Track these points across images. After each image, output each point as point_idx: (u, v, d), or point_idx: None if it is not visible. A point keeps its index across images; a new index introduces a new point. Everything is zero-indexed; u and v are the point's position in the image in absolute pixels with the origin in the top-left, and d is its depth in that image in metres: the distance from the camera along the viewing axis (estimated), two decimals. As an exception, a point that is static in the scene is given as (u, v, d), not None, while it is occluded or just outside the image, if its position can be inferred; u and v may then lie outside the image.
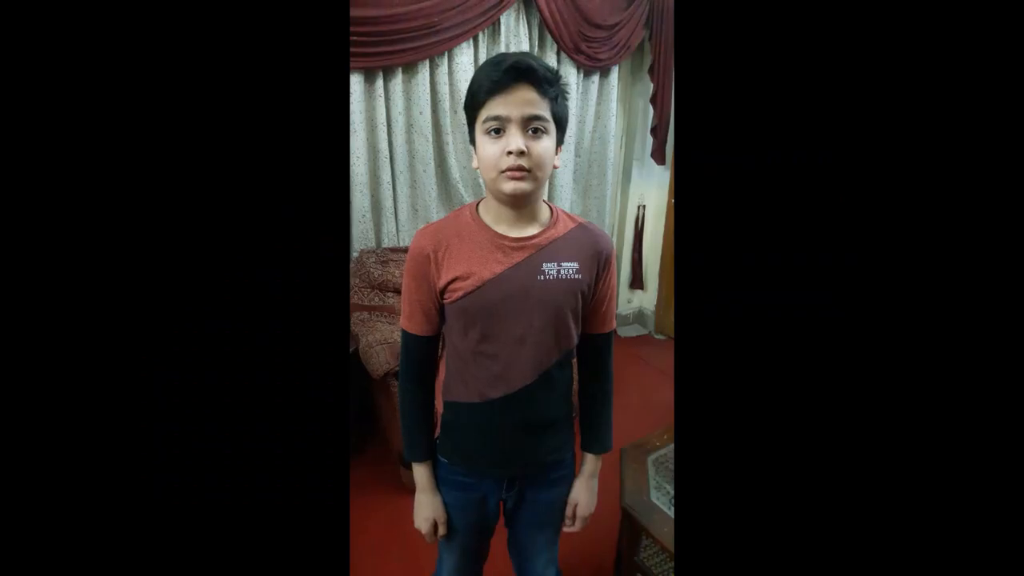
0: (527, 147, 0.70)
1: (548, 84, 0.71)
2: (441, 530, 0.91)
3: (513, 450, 0.85)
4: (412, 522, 0.92)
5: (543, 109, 0.71)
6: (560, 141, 0.76)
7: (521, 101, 0.69)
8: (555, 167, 0.77)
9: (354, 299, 1.93)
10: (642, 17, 2.36)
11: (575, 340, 0.84)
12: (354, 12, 1.72)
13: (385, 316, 1.89)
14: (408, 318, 0.83)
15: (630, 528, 1.35)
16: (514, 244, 0.77)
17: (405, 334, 0.85)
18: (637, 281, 3.00)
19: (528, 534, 0.96)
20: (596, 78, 2.39)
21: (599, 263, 0.81)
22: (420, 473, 0.89)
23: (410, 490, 1.64)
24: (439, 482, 0.90)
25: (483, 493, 0.88)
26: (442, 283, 0.78)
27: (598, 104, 2.47)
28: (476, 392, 0.82)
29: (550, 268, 0.77)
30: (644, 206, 2.86)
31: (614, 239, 2.96)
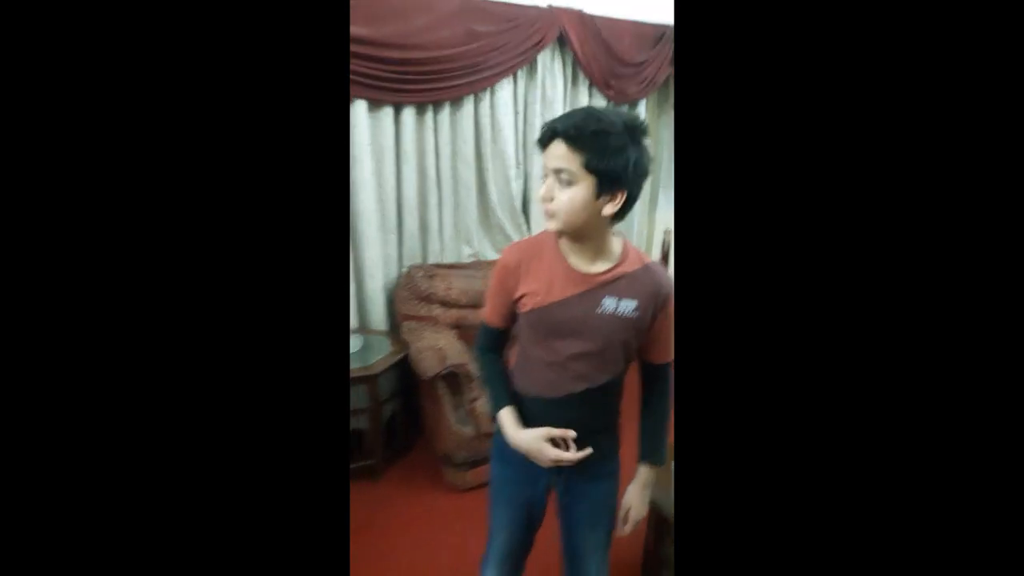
0: (553, 194, 0.82)
1: (579, 141, 0.78)
2: (557, 455, 0.93)
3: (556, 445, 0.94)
4: (454, 518, 1.01)
5: (570, 163, 0.79)
6: (606, 189, 0.80)
7: (552, 156, 0.81)
8: (604, 214, 0.82)
9: (404, 310, 2.09)
10: (668, 55, 2.55)
11: (622, 368, 0.94)
12: (408, 54, 1.94)
13: (431, 325, 2.04)
14: (489, 313, 0.99)
15: (656, 523, 1.43)
16: (578, 277, 0.88)
17: (484, 324, 1.00)
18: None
19: (581, 534, 1.03)
20: (625, 110, 2.57)
21: (657, 302, 0.90)
22: (506, 417, 0.97)
23: (454, 489, 1.78)
24: (498, 457, 1.03)
25: (534, 473, 0.98)
26: (518, 294, 0.92)
27: (626, 134, 2.64)
28: (532, 388, 0.95)
29: (609, 304, 0.88)
30: (670, 231, 2.99)
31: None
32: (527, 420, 0.96)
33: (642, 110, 2.65)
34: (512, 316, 0.97)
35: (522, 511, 1.03)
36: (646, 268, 0.91)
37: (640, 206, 2.82)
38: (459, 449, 1.74)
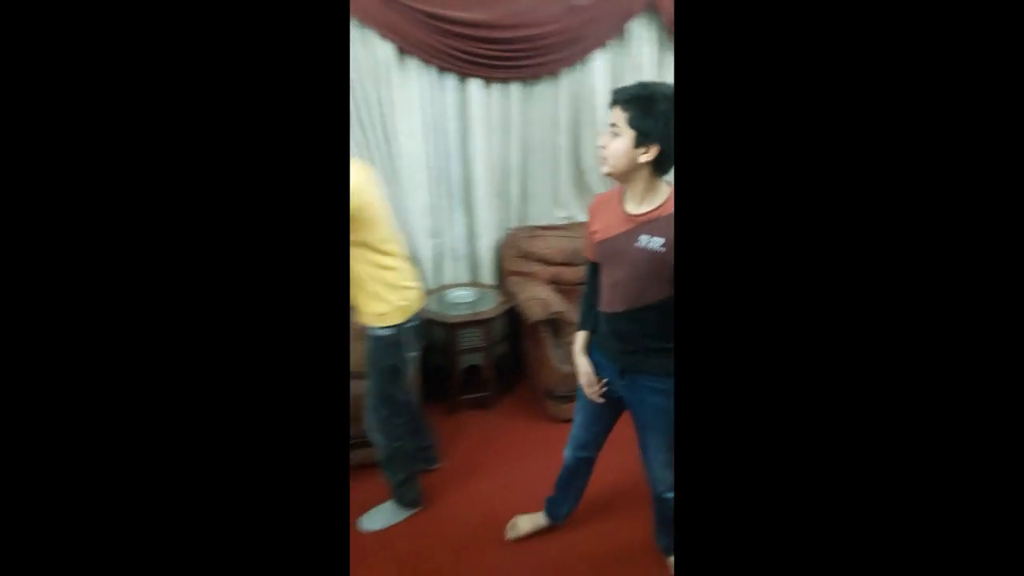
0: (604, 143, 1.08)
1: (627, 104, 1.04)
2: (589, 381, 1.32)
3: (615, 351, 1.24)
4: (554, 444, 1.31)
5: (619, 120, 1.05)
6: (642, 142, 1.04)
7: (610, 115, 1.08)
8: (639, 161, 1.06)
9: (509, 266, 2.38)
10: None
11: (659, 296, 1.12)
12: (516, 32, 2.15)
13: (532, 280, 2.32)
14: (585, 248, 1.31)
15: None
16: (626, 218, 1.14)
17: (591, 262, 1.30)
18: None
19: (644, 435, 1.29)
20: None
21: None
22: (578, 339, 1.36)
23: (554, 420, 2.08)
24: (589, 352, 1.34)
25: (608, 371, 1.28)
26: (591, 230, 1.22)
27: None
28: (602, 305, 1.24)
29: (644, 240, 1.10)
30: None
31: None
32: (600, 330, 1.28)
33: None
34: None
35: (595, 409, 1.34)
36: None
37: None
38: (559, 384, 2.03)
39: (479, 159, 2.33)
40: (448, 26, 2.09)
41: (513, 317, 2.23)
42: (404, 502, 1.70)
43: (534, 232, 2.42)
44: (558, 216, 2.62)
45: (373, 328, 1.46)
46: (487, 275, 2.50)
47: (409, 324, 1.49)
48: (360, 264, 1.38)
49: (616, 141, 1.06)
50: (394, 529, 1.68)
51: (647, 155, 1.05)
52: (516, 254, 2.37)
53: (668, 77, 2.50)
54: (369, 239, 1.36)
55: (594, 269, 1.29)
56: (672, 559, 1.47)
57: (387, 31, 2.06)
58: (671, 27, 2.38)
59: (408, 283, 1.49)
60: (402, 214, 2.29)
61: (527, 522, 1.62)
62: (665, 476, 1.30)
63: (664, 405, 1.22)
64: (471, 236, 2.47)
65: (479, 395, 2.20)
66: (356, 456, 1.79)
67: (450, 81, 2.25)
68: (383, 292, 1.42)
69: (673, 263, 1.11)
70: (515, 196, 2.49)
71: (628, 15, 2.28)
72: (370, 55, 2.09)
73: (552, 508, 1.59)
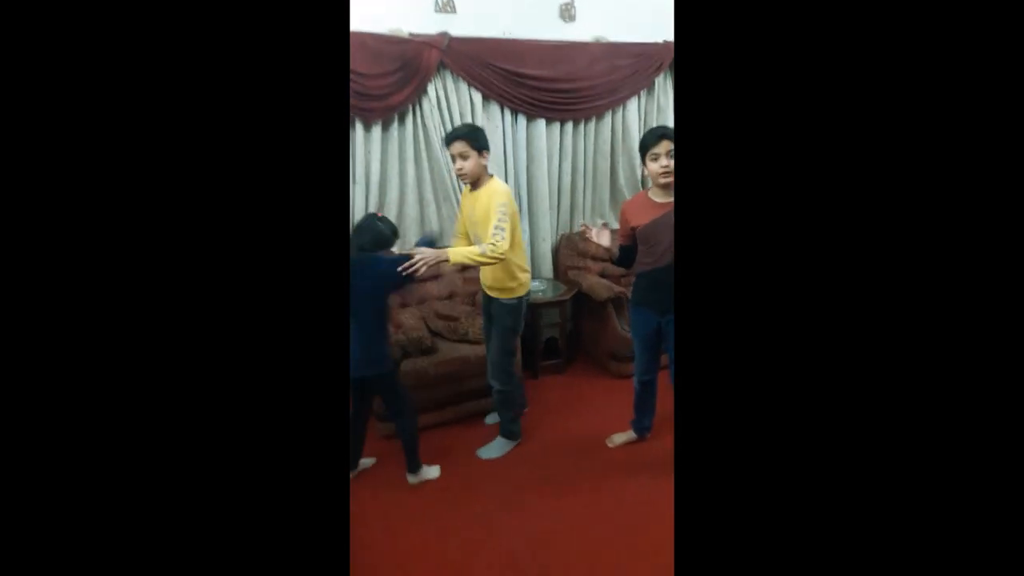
0: (670, 165, 1.76)
1: (671, 136, 1.74)
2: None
3: (656, 299, 1.89)
4: (617, 394, 2.14)
5: (672, 147, 1.75)
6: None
7: (663, 146, 1.75)
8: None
9: (566, 262, 3.04)
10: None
11: None
12: (573, 85, 2.84)
13: (587, 271, 2.97)
14: (620, 237, 1.99)
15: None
16: (659, 207, 1.83)
17: (620, 244, 1.99)
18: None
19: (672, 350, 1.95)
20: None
21: None
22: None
23: (618, 376, 2.73)
24: (633, 311, 2.02)
25: (650, 317, 1.94)
26: (631, 225, 1.89)
27: (716, 129, 3.47)
28: (645, 267, 1.89)
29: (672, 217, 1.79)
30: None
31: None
32: (644, 283, 1.94)
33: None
34: (631, 236, 1.93)
35: (644, 339, 2.00)
36: None
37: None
38: (621, 347, 2.67)
39: (540, 180, 2.99)
40: (521, 80, 2.76)
41: (576, 300, 2.87)
42: (511, 436, 2.27)
43: (585, 236, 3.08)
44: (597, 223, 3.30)
45: (502, 299, 2.07)
46: (546, 271, 3.14)
47: (525, 297, 2.11)
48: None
49: (674, 160, 1.76)
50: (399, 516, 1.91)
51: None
52: (573, 252, 3.03)
53: (681, 117, 3.25)
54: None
55: (624, 250, 2.00)
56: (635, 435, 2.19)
57: (476, 82, 2.71)
58: (683, 79, 3.13)
59: (526, 267, 2.12)
60: (485, 223, 2.91)
61: (621, 436, 2.25)
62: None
63: None
64: (533, 238, 3.11)
65: (555, 361, 2.82)
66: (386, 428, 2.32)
67: (521, 121, 2.91)
68: (516, 272, 2.04)
69: None
70: (565, 209, 3.16)
71: (657, 71, 3.02)
72: (463, 100, 2.73)
73: (637, 425, 2.22)
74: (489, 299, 2.13)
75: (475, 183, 1.98)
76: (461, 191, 2.81)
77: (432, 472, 2.09)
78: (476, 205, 1.96)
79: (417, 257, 1.72)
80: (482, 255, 1.80)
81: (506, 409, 2.23)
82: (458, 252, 1.81)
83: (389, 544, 1.76)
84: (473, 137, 1.91)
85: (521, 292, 2.08)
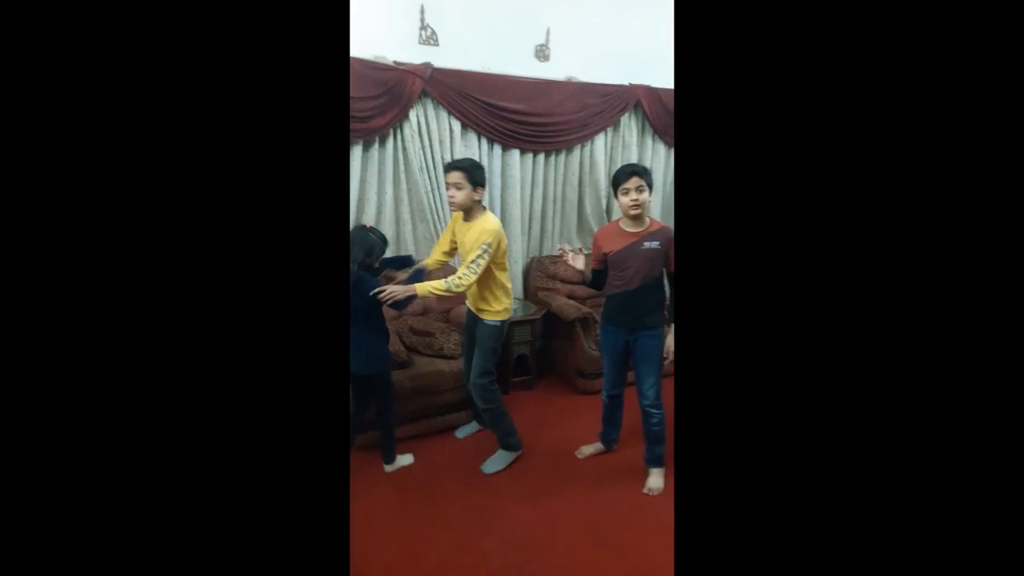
0: (639, 199, 1.92)
1: (643, 173, 1.93)
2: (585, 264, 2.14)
3: (624, 319, 2.04)
4: (585, 409, 2.30)
5: (643, 182, 1.92)
6: (650, 191, 1.95)
7: (634, 181, 1.92)
8: (649, 203, 1.96)
9: (536, 284, 3.18)
10: (703, 111, 3.64)
11: (658, 273, 2.01)
12: (546, 119, 3.04)
13: (556, 293, 3.12)
14: (592, 262, 2.12)
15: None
16: (628, 235, 1.99)
17: (594, 269, 2.12)
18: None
19: (642, 364, 2.07)
20: (674, 150, 3.68)
21: (667, 239, 1.98)
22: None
23: (584, 392, 2.87)
24: (603, 330, 2.16)
25: (619, 335, 2.08)
26: (603, 251, 2.05)
27: (674, 166, 3.75)
28: (614, 290, 2.04)
29: (648, 244, 1.96)
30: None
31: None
32: (614, 304, 2.07)
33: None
34: (602, 261, 2.08)
35: (613, 355, 2.14)
36: (662, 228, 2.02)
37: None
38: (588, 365, 2.80)
39: (513, 206, 3.14)
40: (499, 111, 2.94)
41: (546, 320, 3.00)
42: (510, 448, 2.31)
43: (554, 259, 3.24)
44: (574, 248, 3.47)
45: (490, 321, 2.16)
46: (518, 291, 3.27)
47: (508, 320, 2.21)
48: (493, 276, 2.11)
49: (644, 195, 1.93)
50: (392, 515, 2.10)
51: (649, 199, 1.97)
52: (543, 275, 3.18)
53: (646, 152, 3.52)
54: (498, 262, 2.10)
55: (596, 273, 2.14)
56: (655, 470, 2.16)
57: (456, 111, 2.87)
58: (651, 118, 3.41)
59: (510, 295, 2.21)
60: (460, 244, 3.03)
61: (589, 448, 2.35)
62: (650, 393, 2.08)
63: (655, 345, 2.05)
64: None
65: (525, 378, 2.92)
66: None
67: (496, 150, 3.08)
68: (501, 297, 2.15)
69: (663, 256, 2.01)
70: (535, 234, 3.33)
71: (622, 110, 3.28)
72: (442, 128, 2.88)
73: (605, 437, 2.34)
74: (475, 319, 2.22)
75: (467, 214, 2.10)
76: (437, 212, 2.94)
77: (406, 459, 2.29)
78: (466, 236, 2.08)
79: (387, 292, 1.94)
80: (447, 289, 1.96)
81: (498, 425, 2.27)
82: (424, 287, 1.98)
83: (377, 551, 1.79)
84: (471, 171, 2.02)
85: (506, 316, 2.18)
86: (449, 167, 2.06)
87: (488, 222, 2.05)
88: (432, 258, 2.31)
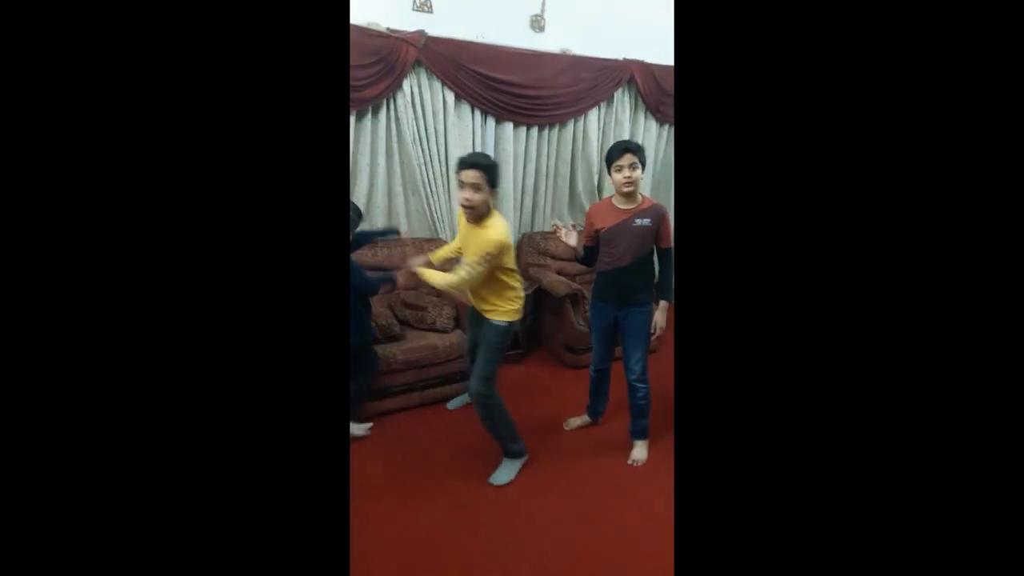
0: (633, 176, 1.94)
1: (636, 150, 1.93)
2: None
3: (614, 295, 2.08)
4: (574, 383, 2.38)
5: (636, 159, 1.93)
6: (643, 168, 1.96)
7: (627, 159, 1.93)
8: (640, 179, 1.96)
9: (528, 260, 3.20)
10: (696, 88, 3.63)
11: (648, 250, 2.04)
12: (539, 92, 3.01)
13: (546, 269, 3.15)
14: (584, 238, 2.13)
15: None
16: (621, 212, 2.00)
17: (585, 246, 2.14)
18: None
19: (629, 339, 2.11)
20: (667, 128, 3.68)
21: (658, 217, 2.00)
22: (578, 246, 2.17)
23: (572, 367, 2.92)
24: (592, 305, 2.22)
25: (607, 311, 2.13)
26: (595, 228, 2.06)
27: (666, 144, 3.75)
28: (605, 266, 2.08)
29: (639, 221, 1.98)
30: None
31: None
32: (605, 280, 2.11)
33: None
34: (594, 238, 2.10)
35: (602, 331, 2.19)
36: (653, 205, 2.05)
37: (672, 190, 3.95)
38: (577, 341, 2.86)
39: (505, 181, 3.14)
40: (493, 83, 2.90)
41: (536, 296, 3.04)
42: (514, 455, 2.14)
43: (546, 235, 3.27)
44: (567, 224, 3.49)
45: (497, 321, 1.96)
46: (508, 267, 3.30)
47: (516, 321, 2.03)
48: (498, 279, 1.92)
49: (637, 171, 1.94)
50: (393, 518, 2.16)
51: (641, 176, 1.99)
52: (535, 251, 3.20)
53: (639, 129, 3.51)
54: (506, 265, 1.90)
55: (588, 250, 2.14)
56: (640, 442, 2.24)
57: (449, 82, 2.83)
58: (644, 93, 3.39)
59: (521, 295, 2.03)
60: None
61: (576, 420, 2.43)
62: (636, 368, 2.13)
63: (643, 319, 2.11)
64: (497, 237, 3.26)
65: (515, 352, 2.98)
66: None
67: (490, 123, 3.05)
68: (510, 297, 1.98)
69: (654, 233, 2.04)
70: (527, 209, 3.34)
71: (616, 85, 3.25)
72: (436, 99, 2.84)
73: (591, 410, 2.41)
74: (480, 318, 2.03)
75: (477, 218, 1.83)
76: (430, 185, 2.92)
77: (360, 429, 2.34)
78: (470, 241, 1.86)
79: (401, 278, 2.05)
80: (447, 284, 1.84)
81: (499, 434, 2.11)
82: (428, 274, 1.92)
83: (376, 530, 1.85)
84: (491, 171, 1.74)
85: (515, 317, 2.01)
86: (465, 164, 1.74)
87: (494, 231, 1.78)
88: (436, 255, 2.22)
